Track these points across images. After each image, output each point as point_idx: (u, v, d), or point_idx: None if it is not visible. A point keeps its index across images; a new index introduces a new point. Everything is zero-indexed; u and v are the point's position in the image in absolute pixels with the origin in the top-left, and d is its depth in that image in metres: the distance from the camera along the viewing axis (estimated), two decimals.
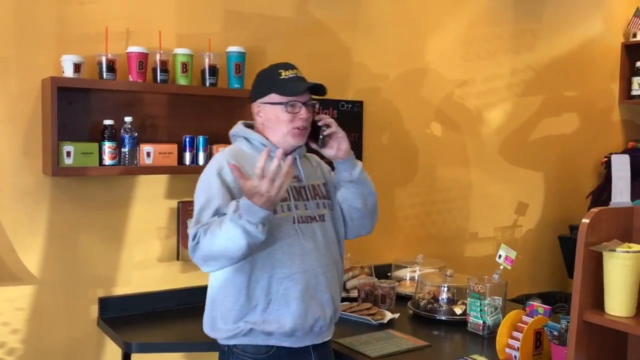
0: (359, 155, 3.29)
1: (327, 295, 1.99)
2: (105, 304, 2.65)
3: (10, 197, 2.47)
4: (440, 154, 3.63)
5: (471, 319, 2.46)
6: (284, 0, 3.05)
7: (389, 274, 3.19)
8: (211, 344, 2.06)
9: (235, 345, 1.95)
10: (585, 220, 1.66)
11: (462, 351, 2.29)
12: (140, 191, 2.73)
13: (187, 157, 2.66)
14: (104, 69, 2.50)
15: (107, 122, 2.51)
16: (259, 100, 2.00)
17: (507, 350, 2.11)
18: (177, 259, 2.80)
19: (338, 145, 2.03)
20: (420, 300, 2.72)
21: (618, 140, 4.43)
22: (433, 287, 2.74)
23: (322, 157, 2.13)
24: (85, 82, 2.47)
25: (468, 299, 2.48)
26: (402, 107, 3.46)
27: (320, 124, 2.01)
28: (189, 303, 2.73)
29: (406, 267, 3.18)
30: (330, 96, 3.15)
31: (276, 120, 1.97)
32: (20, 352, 2.52)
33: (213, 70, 2.71)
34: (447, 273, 2.76)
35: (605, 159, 4.15)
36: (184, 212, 2.76)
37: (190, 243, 1.83)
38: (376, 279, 2.94)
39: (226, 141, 2.16)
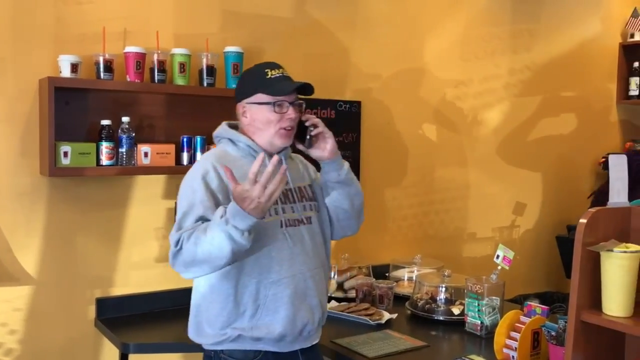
0: (356, 156, 3.30)
1: (315, 299, 1.97)
2: (103, 304, 2.65)
3: (7, 197, 2.47)
4: (438, 154, 3.63)
5: (469, 319, 2.46)
6: (281, 0, 3.05)
7: (386, 274, 3.19)
8: None
9: (222, 351, 1.91)
10: (583, 221, 1.66)
11: (459, 351, 2.29)
12: (138, 191, 2.73)
13: (185, 157, 2.66)
14: (102, 69, 2.50)
15: (105, 122, 2.51)
16: (245, 101, 1.96)
17: (505, 350, 2.11)
18: None
19: (325, 146, 2.01)
20: (418, 300, 2.72)
21: (616, 141, 4.43)
22: (431, 287, 2.74)
23: (306, 157, 2.10)
24: (82, 82, 2.47)
25: (466, 299, 2.48)
26: (400, 108, 3.46)
27: (307, 124, 1.99)
28: (186, 304, 2.66)
29: (404, 267, 3.18)
30: (328, 96, 3.20)
31: (263, 120, 1.93)
32: (18, 352, 2.51)
33: (211, 70, 2.71)
34: (445, 273, 2.76)
35: (603, 159, 4.16)
36: None
37: (172, 249, 1.79)
38: (374, 279, 2.94)
39: None
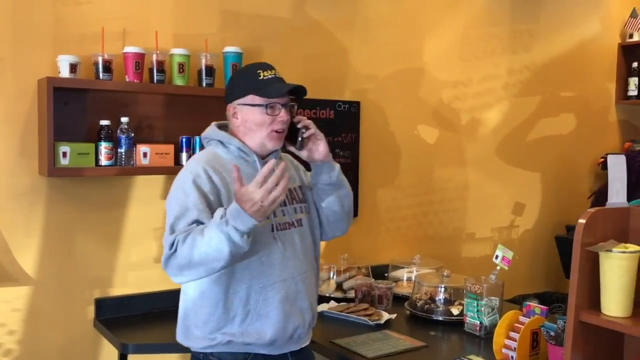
0: (355, 156, 3.30)
1: (306, 302, 1.96)
2: (102, 304, 2.64)
3: (6, 197, 2.47)
4: (437, 154, 3.63)
5: (468, 320, 2.46)
6: (281, 0, 3.05)
7: (386, 275, 3.19)
8: None
9: (211, 353, 1.90)
10: (582, 221, 1.66)
11: (459, 352, 2.29)
12: (137, 192, 2.72)
13: (184, 157, 2.66)
14: (101, 69, 2.50)
15: (104, 122, 2.51)
16: (236, 102, 1.93)
17: (504, 350, 2.11)
18: None
19: (317, 148, 1.98)
20: (417, 300, 2.72)
21: (615, 141, 4.44)
22: (430, 287, 2.74)
23: (296, 157, 2.08)
24: (81, 83, 2.47)
25: (465, 299, 2.48)
26: (399, 108, 3.47)
27: (299, 126, 1.96)
28: None
29: (403, 267, 3.18)
30: (327, 96, 3.20)
31: (254, 122, 1.90)
32: (17, 353, 2.51)
33: (210, 70, 2.71)
34: (444, 273, 2.76)
35: (602, 160, 4.16)
36: None
37: (166, 251, 1.75)
38: (373, 280, 2.94)
39: None
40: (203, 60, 2.70)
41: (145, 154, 2.56)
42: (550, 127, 4.11)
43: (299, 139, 1.95)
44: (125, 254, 2.72)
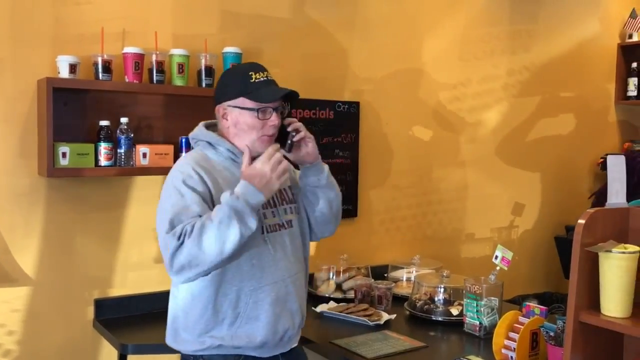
0: (355, 156, 3.30)
1: (296, 304, 1.96)
2: (101, 305, 2.64)
3: (5, 197, 2.47)
4: (436, 155, 3.63)
5: (468, 320, 2.46)
6: (280, 1, 3.05)
7: (385, 275, 3.19)
8: None
9: (202, 356, 1.88)
10: (581, 221, 1.66)
11: (458, 352, 2.29)
12: (137, 192, 2.72)
13: None
14: (100, 70, 2.50)
15: (103, 122, 2.50)
16: (227, 103, 1.90)
17: (504, 351, 2.11)
18: None
19: (306, 150, 1.97)
20: (417, 301, 2.72)
21: (614, 141, 4.44)
22: (429, 288, 2.74)
23: (284, 157, 2.04)
24: (81, 83, 2.47)
25: (464, 299, 2.48)
26: (399, 108, 3.47)
27: (289, 129, 1.94)
28: None
29: (403, 268, 3.18)
30: (326, 97, 3.20)
31: (245, 125, 1.88)
32: (16, 353, 2.51)
33: (209, 71, 2.71)
34: (444, 274, 2.76)
35: (602, 160, 4.17)
36: None
37: (173, 243, 1.69)
38: (373, 280, 2.94)
39: None
40: (203, 61, 2.70)
41: (144, 155, 2.56)
42: (550, 127, 4.11)
43: (289, 141, 1.93)
44: (124, 254, 2.72)
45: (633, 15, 4.25)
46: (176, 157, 2.65)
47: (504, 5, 3.82)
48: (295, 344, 2.04)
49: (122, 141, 2.52)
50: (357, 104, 3.30)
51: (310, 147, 1.97)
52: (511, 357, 2.08)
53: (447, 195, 3.68)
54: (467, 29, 3.68)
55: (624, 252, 1.63)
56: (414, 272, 3.09)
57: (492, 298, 2.43)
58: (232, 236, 1.69)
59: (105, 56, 2.50)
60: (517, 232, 4.02)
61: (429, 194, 3.61)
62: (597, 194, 4.03)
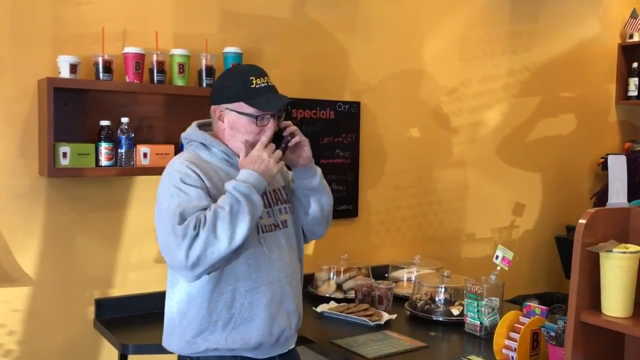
0: (355, 156, 3.30)
1: (292, 304, 1.95)
2: (102, 305, 2.64)
3: (6, 198, 2.47)
4: (437, 155, 3.63)
5: (468, 320, 2.46)
6: (280, 1, 3.05)
7: (386, 275, 3.19)
8: None
9: (198, 358, 1.88)
10: (582, 221, 1.66)
11: (459, 352, 2.29)
12: (137, 192, 2.72)
13: None
14: (101, 70, 2.50)
15: (104, 122, 2.50)
16: (225, 106, 1.89)
17: (504, 351, 2.11)
18: None
19: (300, 153, 1.96)
20: (418, 301, 2.72)
21: (615, 141, 4.44)
22: (430, 288, 2.74)
23: None
24: (81, 83, 2.47)
25: (465, 299, 2.48)
26: (399, 108, 3.47)
27: (285, 133, 1.93)
28: None
29: (403, 268, 3.18)
30: (327, 97, 3.20)
31: (242, 129, 1.88)
32: (17, 353, 2.51)
33: (210, 71, 2.71)
34: (444, 274, 2.75)
35: (602, 160, 4.16)
36: None
37: (189, 233, 1.67)
38: (373, 280, 2.94)
39: None
40: (203, 61, 2.70)
41: (145, 155, 2.56)
42: (550, 127, 4.11)
43: (283, 145, 1.92)
44: (125, 254, 2.72)
45: (634, 15, 4.25)
46: None
47: (505, 5, 3.82)
48: (293, 345, 2.04)
49: (123, 141, 2.52)
50: (357, 104, 3.30)
51: (305, 151, 1.97)
52: (512, 357, 2.08)
53: (448, 195, 3.68)
54: (468, 29, 3.68)
55: (624, 252, 1.63)
56: (414, 272, 3.09)
57: (493, 298, 2.43)
58: (243, 218, 1.71)
59: (105, 56, 2.50)
60: (518, 232, 4.02)
61: (429, 194, 3.61)
62: (599, 194, 4.03)
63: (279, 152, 1.86)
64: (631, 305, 1.66)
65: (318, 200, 2.05)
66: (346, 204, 3.28)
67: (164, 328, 1.95)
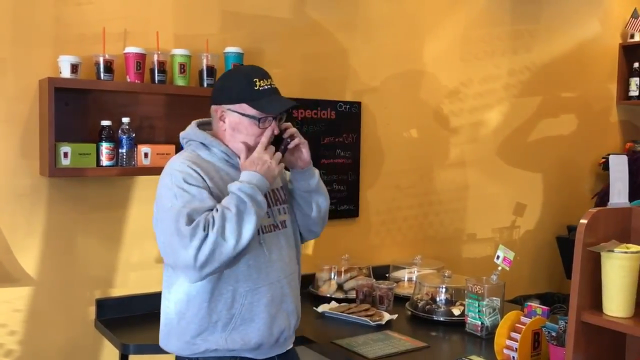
0: (356, 156, 3.30)
1: (292, 305, 1.95)
2: (103, 305, 2.64)
3: (7, 198, 2.47)
4: (438, 155, 3.63)
5: (469, 320, 2.46)
6: (281, 1, 3.05)
7: (387, 275, 3.19)
8: None
9: (197, 359, 1.87)
10: (584, 221, 1.66)
11: (460, 352, 2.29)
12: (138, 192, 2.72)
13: None
14: (102, 70, 2.50)
15: (105, 122, 2.51)
16: (227, 106, 1.88)
17: (505, 351, 2.11)
18: None
19: (299, 155, 1.97)
20: (419, 301, 2.72)
21: (616, 141, 4.43)
22: (431, 288, 2.74)
23: None
24: (82, 83, 2.47)
25: (466, 300, 2.48)
26: (400, 108, 3.46)
27: (285, 135, 1.93)
28: None
29: (404, 268, 3.18)
30: (328, 97, 3.20)
31: (243, 130, 1.88)
32: (18, 353, 2.51)
33: (211, 70, 2.71)
34: (445, 274, 2.75)
35: (604, 160, 4.16)
36: None
37: (198, 235, 1.67)
38: (374, 280, 2.94)
39: None
40: (204, 61, 2.70)
41: (146, 155, 2.56)
42: (551, 127, 4.10)
43: (282, 147, 1.92)
44: (126, 254, 2.72)
45: (635, 15, 4.24)
46: None
47: (505, 6, 3.82)
48: (291, 345, 2.04)
49: (124, 141, 2.52)
50: (358, 104, 3.30)
51: (304, 153, 1.97)
52: (513, 357, 2.08)
53: (449, 195, 3.68)
54: (468, 29, 3.68)
55: (626, 252, 1.63)
56: (415, 272, 3.08)
57: (494, 298, 2.43)
58: (250, 219, 1.72)
59: (106, 56, 2.50)
60: (519, 233, 4.02)
61: (430, 194, 3.61)
62: (600, 194, 4.03)
63: (279, 154, 1.87)
64: (632, 305, 1.65)
65: (316, 201, 2.05)
66: (347, 204, 3.28)
67: (160, 328, 1.94)
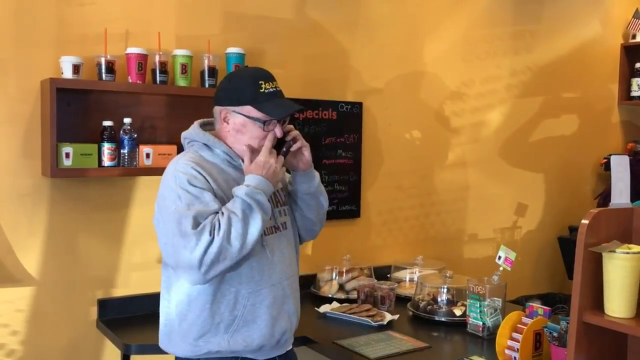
0: (358, 157, 3.30)
1: (293, 306, 1.96)
2: (105, 305, 2.65)
3: (9, 198, 2.47)
4: (439, 155, 3.63)
5: (471, 320, 2.46)
6: (283, 1, 3.05)
7: (388, 276, 3.19)
8: None
9: (198, 359, 1.87)
10: (585, 221, 1.66)
11: (461, 352, 2.29)
12: (140, 192, 2.73)
13: None
14: (103, 70, 2.50)
15: (106, 123, 2.51)
16: (231, 108, 1.87)
17: (507, 351, 2.11)
18: None
19: (301, 157, 1.97)
20: (420, 301, 2.72)
21: (617, 142, 4.43)
22: (432, 288, 2.74)
23: None
24: (84, 84, 2.47)
25: (468, 300, 2.48)
26: (402, 109, 3.46)
27: (287, 138, 1.93)
28: None
29: (406, 268, 3.18)
30: (329, 97, 3.20)
31: (247, 132, 1.87)
32: (20, 353, 2.51)
33: (212, 71, 2.71)
34: (447, 274, 2.75)
35: (605, 160, 4.16)
36: None
37: (204, 238, 1.67)
38: (376, 281, 2.94)
39: None
40: (206, 61, 2.70)
41: (148, 155, 2.57)
42: (553, 128, 4.10)
43: (284, 149, 1.92)
44: (128, 254, 2.72)
45: (636, 15, 4.24)
46: None
47: (507, 6, 3.81)
48: (291, 346, 2.04)
49: (126, 141, 2.53)
50: (360, 104, 3.30)
51: (306, 156, 1.97)
52: (514, 357, 2.08)
53: (450, 195, 3.68)
54: (470, 30, 3.68)
55: (627, 253, 1.62)
56: (417, 272, 3.08)
57: (495, 299, 2.43)
58: (255, 224, 1.73)
59: (108, 57, 2.51)
60: (520, 233, 4.02)
61: (431, 194, 3.61)
62: (603, 195, 4.03)
63: (282, 157, 1.88)
64: (634, 305, 1.65)
65: (315, 203, 2.06)
66: (348, 205, 3.28)
67: (160, 329, 1.93)
